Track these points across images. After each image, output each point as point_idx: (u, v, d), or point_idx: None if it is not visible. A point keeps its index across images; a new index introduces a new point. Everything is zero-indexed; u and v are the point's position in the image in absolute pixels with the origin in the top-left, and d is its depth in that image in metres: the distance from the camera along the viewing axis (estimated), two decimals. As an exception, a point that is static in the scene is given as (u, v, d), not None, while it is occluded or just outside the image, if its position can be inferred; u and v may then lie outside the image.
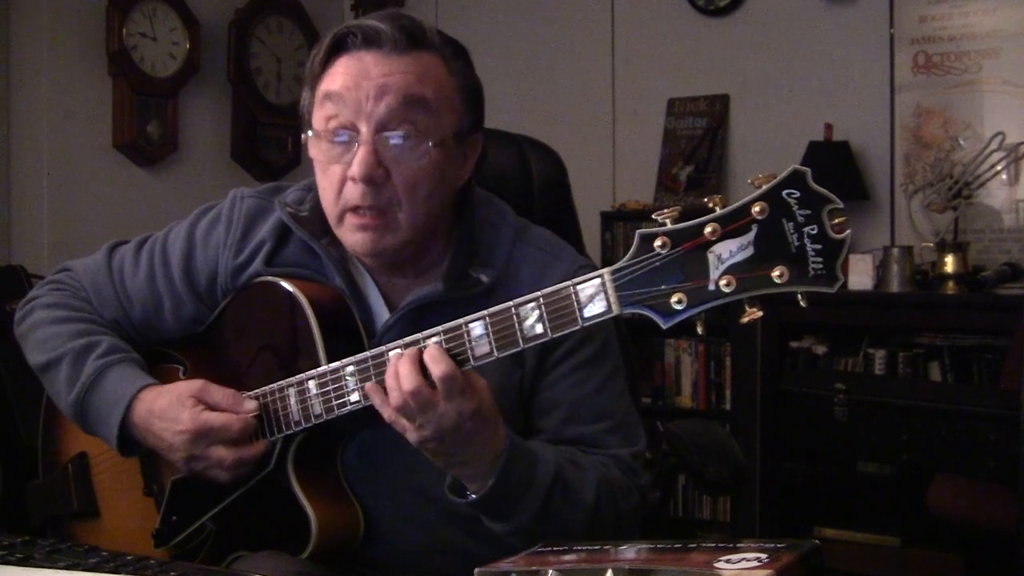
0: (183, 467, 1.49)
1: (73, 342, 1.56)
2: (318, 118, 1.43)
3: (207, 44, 4.11)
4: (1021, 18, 3.64)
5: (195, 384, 1.48)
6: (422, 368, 1.26)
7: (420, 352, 1.27)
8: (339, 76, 1.41)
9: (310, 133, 1.45)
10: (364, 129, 1.39)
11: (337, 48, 1.43)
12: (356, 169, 1.38)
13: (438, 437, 1.27)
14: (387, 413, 1.29)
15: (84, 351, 1.55)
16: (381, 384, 1.30)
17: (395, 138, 1.39)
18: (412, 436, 1.29)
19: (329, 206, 1.44)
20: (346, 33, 1.42)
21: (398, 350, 1.29)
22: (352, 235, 1.43)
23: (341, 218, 1.43)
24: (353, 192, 1.40)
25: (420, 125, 1.40)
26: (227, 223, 1.57)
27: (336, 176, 1.42)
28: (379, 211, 1.41)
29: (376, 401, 1.30)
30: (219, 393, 1.46)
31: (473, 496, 1.33)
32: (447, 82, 1.44)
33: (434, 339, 1.28)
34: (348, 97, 1.39)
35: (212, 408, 1.45)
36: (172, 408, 1.46)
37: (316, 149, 1.44)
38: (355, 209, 1.41)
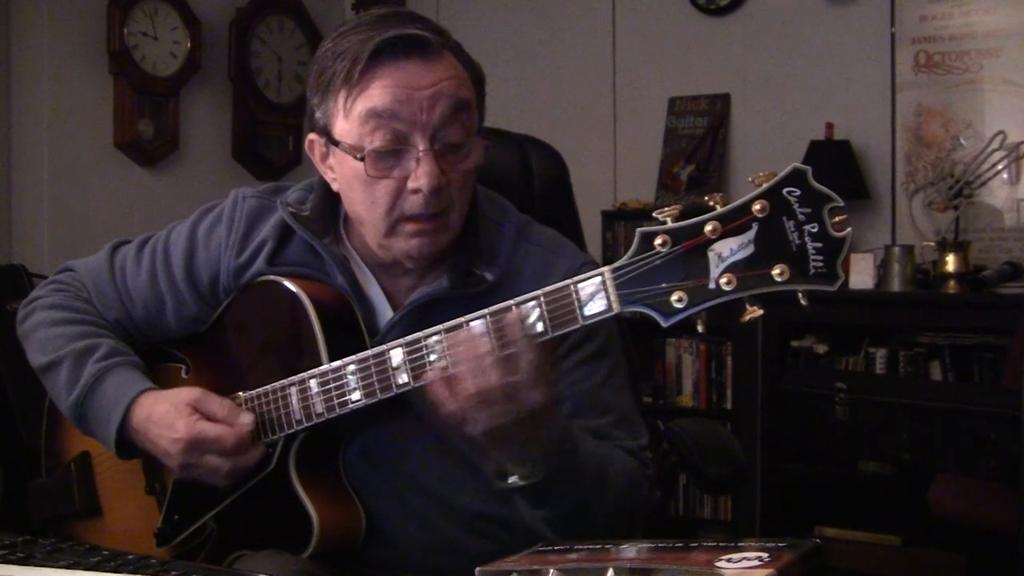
0: (179, 473, 1.49)
1: (74, 344, 1.56)
2: (358, 133, 1.39)
3: (208, 43, 4.11)
4: (1021, 18, 3.64)
5: (194, 392, 1.48)
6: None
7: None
8: (384, 90, 1.37)
9: (357, 154, 1.39)
10: (422, 142, 1.37)
11: (372, 58, 1.38)
12: (425, 182, 1.36)
13: (522, 420, 1.23)
14: (456, 402, 1.24)
15: (85, 353, 1.55)
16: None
17: (449, 143, 1.39)
18: (484, 423, 1.24)
19: (379, 218, 1.41)
20: (384, 42, 1.37)
21: (478, 322, 1.25)
22: (408, 241, 1.42)
23: (395, 227, 1.42)
24: (415, 203, 1.38)
25: (467, 126, 1.40)
26: (229, 223, 1.56)
27: (389, 189, 1.39)
28: (437, 216, 1.40)
29: (442, 392, 1.25)
30: (216, 404, 1.46)
31: (518, 481, 1.30)
32: (468, 78, 1.44)
33: (434, 337, 1.28)
34: (401, 111, 1.36)
35: (209, 418, 1.45)
36: (169, 415, 1.46)
37: (361, 166, 1.39)
38: (414, 217, 1.40)
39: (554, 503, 1.33)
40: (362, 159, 1.39)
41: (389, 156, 1.38)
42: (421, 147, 1.37)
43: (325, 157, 1.47)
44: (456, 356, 1.25)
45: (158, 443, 1.47)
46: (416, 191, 1.38)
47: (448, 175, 1.39)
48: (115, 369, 1.54)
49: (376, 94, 1.37)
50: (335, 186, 1.48)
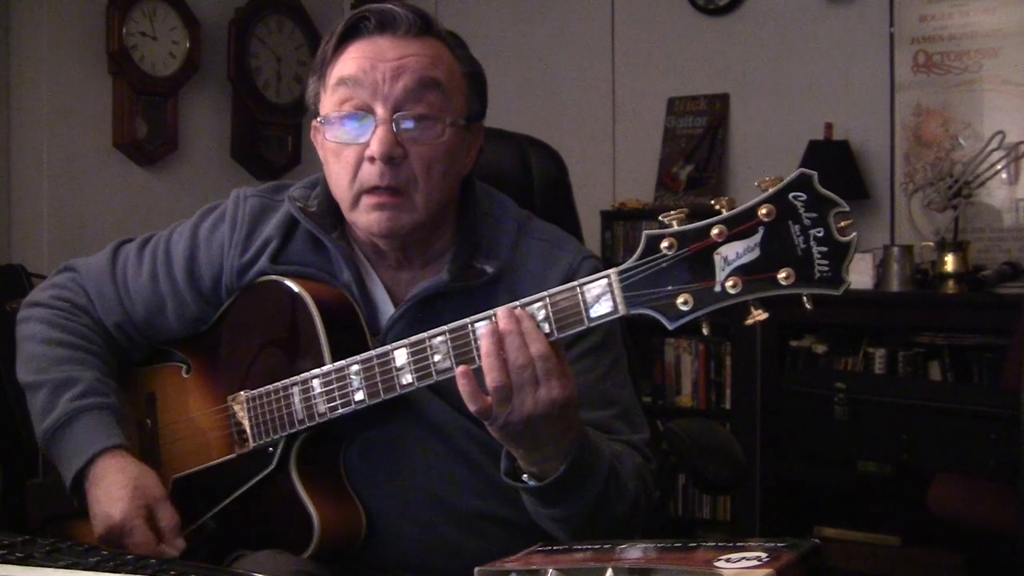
0: (95, 540, 1.47)
1: (56, 370, 1.55)
2: (330, 103, 1.44)
3: (207, 43, 4.11)
4: (1021, 17, 3.64)
5: (157, 492, 1.48)
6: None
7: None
8: (353, 60, 1.42)
9: (319, 121, 1.46)
10: (381, 110, 1.40)
11: (349, 34, 1.44)
12: (376, 148, 1.39)
13: (548, 412, 1.23)
14: (480, 402, 1.24)
15: (62, 386, 1.53)
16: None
17: (411, 119, 1.41)
18: (503, 417, 1.24)
19: (343, 190, 1.45)
20: (360, 18, 1.43)
21: (483, 323, 1.25)
22: (368, 215, 1.44)
23: (357, 200, 1.44)
24: (371, 172, 1.41)
25: (434, 106, 1.42)
26: (231, 222, 1.57)
27: (352, 158, 1.42)
28: (396, 190, 1.42)
29: (467, 388, 1.24)
30: (167, 517, 1.46)
31: (531, 482, 1.31)
32: (456, 67, 1.46)
33: (439, 338, 1.28)
34: (364, 79, 1.41)
35: (151, 520, 1.45)
36: (120, 491, 1.45)
37: (329, 134, 1.44)
38: (372, 189, 1.42)
39: (569, 503, 1.33)
40: (322, 123, 1.44)
41: (353, 127, 1.42)
42: (379, 115, 1.40)
43: (322, 142, 1.49)
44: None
45: (94, 504, 1.47)
46: (372, 159, 1.40)
47: (408, 149, 1.41)
48: (86, 414, 1.52)
49: (346, 64, 1.43)
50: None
